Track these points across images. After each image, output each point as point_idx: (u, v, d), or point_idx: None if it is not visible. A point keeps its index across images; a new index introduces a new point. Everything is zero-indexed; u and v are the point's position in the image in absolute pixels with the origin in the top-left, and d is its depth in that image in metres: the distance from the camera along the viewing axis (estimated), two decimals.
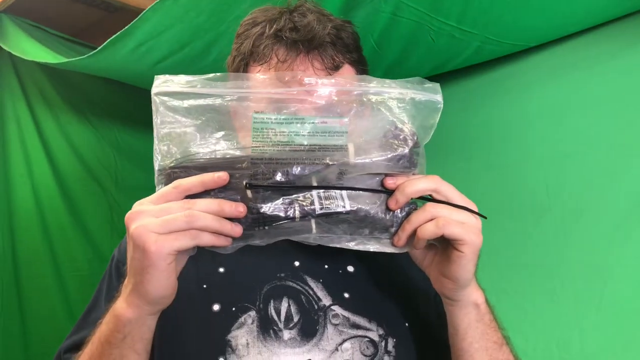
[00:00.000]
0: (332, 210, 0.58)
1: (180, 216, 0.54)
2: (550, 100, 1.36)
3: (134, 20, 1.28)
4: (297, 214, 0.58)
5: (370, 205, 0.60)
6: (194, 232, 0.54)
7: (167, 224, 0.54)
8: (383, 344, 0.68)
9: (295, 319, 0.67)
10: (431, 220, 0.59)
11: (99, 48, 1.43)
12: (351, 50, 0.71)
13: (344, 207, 0.59)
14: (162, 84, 0.58)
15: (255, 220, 0.57)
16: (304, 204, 0.58)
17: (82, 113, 2.08)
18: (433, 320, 0.74)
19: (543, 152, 1.36)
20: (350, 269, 0.73)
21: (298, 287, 0.69)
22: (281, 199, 0.58)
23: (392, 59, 1.40)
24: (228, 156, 0.58)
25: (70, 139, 2.04)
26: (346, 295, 0.70)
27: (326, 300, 0.69)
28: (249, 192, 0.57)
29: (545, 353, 1.28)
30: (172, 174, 0.57)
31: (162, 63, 1.49)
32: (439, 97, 0.61)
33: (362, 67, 0.74)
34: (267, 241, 0.60)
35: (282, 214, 0.58)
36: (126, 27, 1.31)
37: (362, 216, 0.60)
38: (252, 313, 0.67)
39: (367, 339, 0.68)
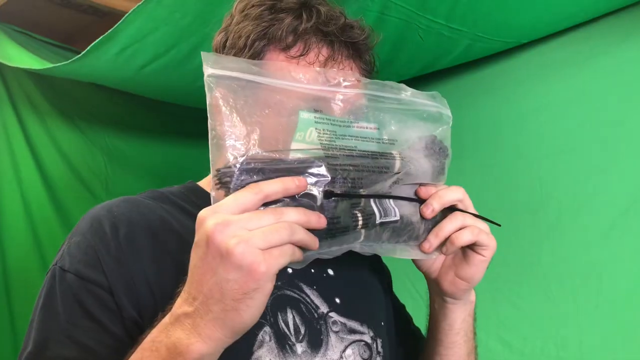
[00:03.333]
0: (389, 219, 0.58)
1: (281, 228, 0.46)
2: (542, 97, 1.36)
3: (117, 24, 1.26)
4: (361, 223, 0.55)
5: (410, 213, 0.61)
6: (292, 246, 0.48)
7: (270, 237, 0.46)
8: (374, 345, 0.69)
9: (302, 330, 0.65)
10: (461, 228, 0.62)
11: (83, 53, 1.40)
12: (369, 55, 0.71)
13: (395, 215, 0.58)
14: (215, 64, 0.50)
15: (328, 231, 0.52)
16: (366, 213, 0.55)
17: (71, 118, 2.05)
18: (393, 313, 0.80)
19: (536, 150, 1.36)
20: (330, 272, 0.71)
21: (296, 295, 0.67)
22: (350, 208, 0.54)
23: (382, 58, 1.37)
24: (297, 158, 0.51)
25: (59, 145, 2.02)
26: (337, 300, 0.69)
27: (323, 308, 0.68)
28: (320, 200, 0.51)
29: (544, 352, 1.28)
30: (240, 175, 0.48)
31: (148, 67, 1.47)
32: (449, 112, 0.65)
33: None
34: (331, 253, 0.55)
35: (351, 224, 0.54)
36: (109, 31, 1.28)
37: (404, 225, 0.60)
38: (267, 329, 0.63)
39: (363, 342, 0.68)
